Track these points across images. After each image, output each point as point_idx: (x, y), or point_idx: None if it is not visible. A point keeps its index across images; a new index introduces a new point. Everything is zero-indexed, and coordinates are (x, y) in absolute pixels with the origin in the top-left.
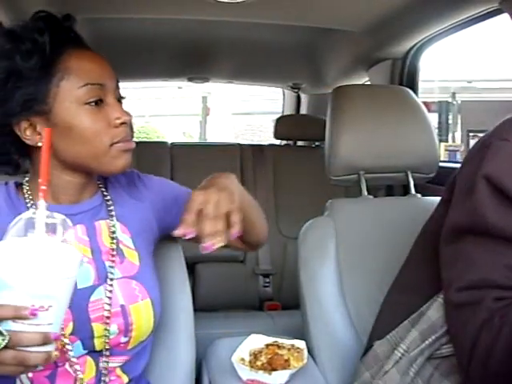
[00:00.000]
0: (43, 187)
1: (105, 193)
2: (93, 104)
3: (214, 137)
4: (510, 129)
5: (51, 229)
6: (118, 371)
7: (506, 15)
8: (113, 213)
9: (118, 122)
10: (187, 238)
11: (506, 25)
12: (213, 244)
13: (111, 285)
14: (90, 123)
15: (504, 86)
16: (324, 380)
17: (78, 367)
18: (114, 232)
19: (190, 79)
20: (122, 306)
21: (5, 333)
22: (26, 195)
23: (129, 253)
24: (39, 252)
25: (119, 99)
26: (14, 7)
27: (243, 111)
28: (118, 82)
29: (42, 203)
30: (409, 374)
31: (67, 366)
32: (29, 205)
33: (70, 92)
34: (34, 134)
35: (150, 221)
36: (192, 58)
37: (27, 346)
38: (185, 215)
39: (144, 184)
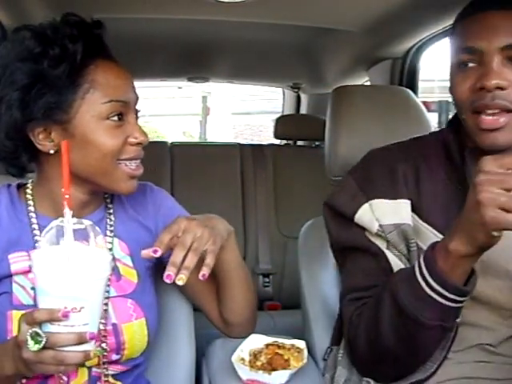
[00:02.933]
0: (66, 196)
1: (109, 205)
2: (114, 120)
3: (213, 136)
4: (356, 164)
5: (80, 234)
6: (111, 379)
7: None
8: (112, 228)
9: (135, 141)
10: (156, 255)
11: None
12: (174, 277)
13: (106, 303)
14: (107, 139)
15: None
16: (323, 380)
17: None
18: (110, 249)
19: (189, 79)
20: (114, 325)
21: (42, 334)
22: (29, 201)
23: (126, 271)
24: (67, 258)
25: (136, 114)
26: (14, 7)
27: (243, 111)
28: (137, 97)
29: (67, 211)
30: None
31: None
32: (31, 213)
33: (94, 106)
34: (47, 140)
35: (151, 239)
36: (192, 58)
37: (64, 346)
38: (161, 234)
39: (154, 201)
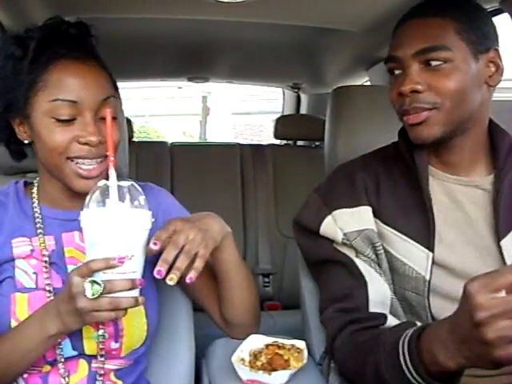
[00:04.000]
0: (112, 158)
1: None
2: (61, 118)
3: (213, 136)
4: (323, 181)
5: (122, 194)
6: (113, 377)
7: (506, 15)
8: None
9: (83, 140)
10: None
11: (506, 24)
12: (164, 273)
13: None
14: (52, 136)
15: (504, 85)
16: (324, 380)
17: (61, 365)
18: None
19: (189, 79)
20: None
21: (100, 282)
22: (34, 197)
23: None
24: (116, 213)
25: (111, 118)
26: (14, 7)
27: (243, 111)
28: (109, 98)
29: (112, 172)
30: None
31: (60, 366)
32: (35, 204)
33: (43, 104)
34: (21, 131)
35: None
36: (192, 57)
37: (119, 292)
38: (158, 232)
39: (154, 198)
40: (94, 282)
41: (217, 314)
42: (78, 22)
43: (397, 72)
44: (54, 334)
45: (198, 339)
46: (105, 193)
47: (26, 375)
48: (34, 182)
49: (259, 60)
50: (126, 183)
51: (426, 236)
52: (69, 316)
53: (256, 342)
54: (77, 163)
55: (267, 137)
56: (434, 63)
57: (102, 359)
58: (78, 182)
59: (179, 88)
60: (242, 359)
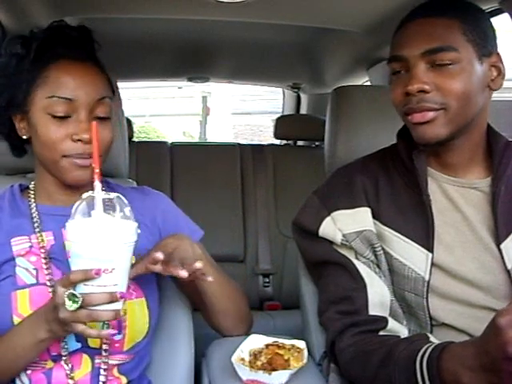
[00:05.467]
0: (97, 170)
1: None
2: (56, 115)
3: (213, 136)
4: (323, 183)
5: (108, 205)
6: (116, 373)
7: (506, 15)
8: None
9: (76, 137)
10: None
11: (506, 24)
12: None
13: None
14: (49, 133)
15: (505, 85)
16: (324, 380)
17: (65, 358)
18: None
19: (189, 79)
20: None
21: (78, 295)
22: (31, 197)
23: None
24: (99, 226)
25: (101, 117)
26: (14, 7)
27: (243, 111)
28: (104, 98)
29: (97, 184)
30: None
31: (63, 362)
32: (32, 204)
33: (41, 100)
34: (21, 127)
35: (147, 233)
36: (192, 57)
37: (98, 305)
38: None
39: (152, 200)
40: (72, 294)
41: (207, 320)
42: (80, 27)
43: (401, 72)
44: (44, 339)
45: (198, 339)
46: (90, 204)
47: (29, 371)
48: (30, 185)
49: (259, 60)
50: (112, 195)
51: (425, 237)
52: (55, 324)
53: (256, 341)
54: (72, 159)
55: (267, 137)
56: (441, 64)
57: (106, 354)
58: (72, 173)
59: (179, 88)
60: (242, 359)
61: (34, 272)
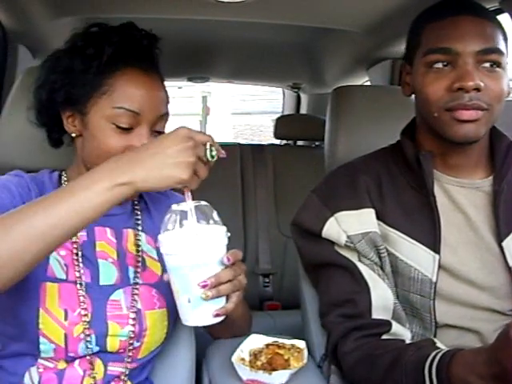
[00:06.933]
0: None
1: (135, 201)
2: (121, 126)
3: (213, 136)
4: (321, 181)
5: (200, 214)
6: (124, 377)
7: (506, 15)
8: (139, 222)
9: None
10: None
11: (506, 24)
12: (207, 288)
13: (137, 288)
14: (109, 141)
15: None
16: (324, 380)
17: (79, 361)
18: (139, 240)
19: (189, 79)
20: (139, 311)
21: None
22: (64, 184)
23: (151, 263)
24: (196, 235)
25: (159, 132)
26: (14, 7)
27: (243, 111)
28: (165, 114)
29: (188, 194)
30: None
31: (76, 364)
32: None
33: (105, 108)
34: (70, 124)
35: None
36: (192, 57)
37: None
38: (235, 252)
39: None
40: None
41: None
42: (149, 34)
43: (443, 65)
44: (124, 182)
45: (198, 339)
46: (181, 215)
47: (41, 369)
48: (63, 174)
49: (259, 60)
50: (202, 203)
51: (432, 239)
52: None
53: (256, 341)
54: None
55: (267, 137)
56: (489, 65)
57: (118, 360)
58: None
59: (179, 88)
60: (242, 359)
61: (65, 268)
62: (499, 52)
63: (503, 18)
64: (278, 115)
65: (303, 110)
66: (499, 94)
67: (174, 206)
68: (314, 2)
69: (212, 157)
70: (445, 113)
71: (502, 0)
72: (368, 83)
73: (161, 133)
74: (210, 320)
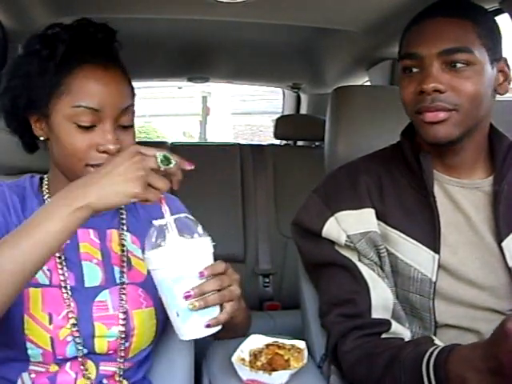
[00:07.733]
0: (162, 195)
1: None
2: (82, 125)
3: (213, 136)
4: (321, 182)
5: (182, 226)
6: (117, 377)
7: (506, 15)
8: (124, 222)
9: (101, 148)
10: None
11: (506, 24)
12: (190, 299)
13: (124, 288)
14: (71, 141)
15: None
16: (324, 380)
17: (69, 363)
18: (124, 240)
19: (189, 79)
20: (125, 311)
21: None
22: (46, 192)
23: (137, 262)
24: (178, 249)
25: (125, 126)
26: (14, 7)
27: (243, 111)
28: (128, 107)
29: (166, 208)
30: None
31: (67, 366)
32: (46, 198)
33: (66, 108)
34: (38, 128)
35: None
36: (192, 57)
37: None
38: (216, 265)
39: (175, 205)
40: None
41: None
42: (104, 26)
43: (415, 70)
44: (81, 207)
45: (198, 339)
46: (163, 230)
47: (33, 375)
48: (45, 178)
49: (259, 60)
50: (182, 215)
51: (432, 239)
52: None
53: (256, 341)
54: (92, 168)
55: (267, 137)
56: (457, 65)
57: (110, 360)
58: None
59: (179, 88)
60: (242, 359)
61: (48, 273)
62: (466, 51)
63: (503, 18)
64: (278, 115)
65: (303, 111)
66: (469, 93)
67: (155, 222)
68: (314, 2)
69: (166, 165)
70: (416, 115)
71: (502, 0)
72: (368, 83)
73: (127, 127)
74: (203, 332)
